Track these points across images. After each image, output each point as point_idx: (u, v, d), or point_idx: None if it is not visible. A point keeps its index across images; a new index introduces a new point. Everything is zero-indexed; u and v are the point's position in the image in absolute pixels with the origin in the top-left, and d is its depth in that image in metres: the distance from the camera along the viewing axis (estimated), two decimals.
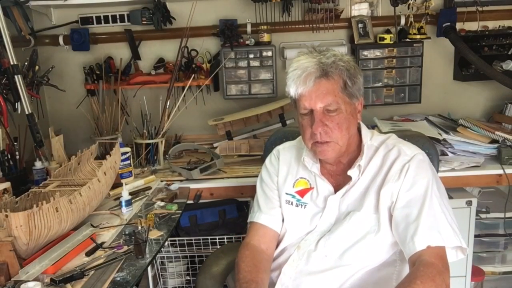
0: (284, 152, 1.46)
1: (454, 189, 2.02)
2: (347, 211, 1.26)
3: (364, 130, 1.33)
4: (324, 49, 1.27)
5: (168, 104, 2.25)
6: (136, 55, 2.54)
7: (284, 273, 1.28)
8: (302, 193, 1.36)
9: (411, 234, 1.15)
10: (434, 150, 1.55)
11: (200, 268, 1.54)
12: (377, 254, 1.23)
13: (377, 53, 2.39)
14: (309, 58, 1.23)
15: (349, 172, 1.27)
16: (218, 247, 2.10)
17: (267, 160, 1.49)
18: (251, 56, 2.41)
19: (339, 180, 1.30)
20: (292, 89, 1.24)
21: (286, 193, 1.38)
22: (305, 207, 1.34)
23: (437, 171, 1.52)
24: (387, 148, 1.28)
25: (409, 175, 1.21)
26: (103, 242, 1.47)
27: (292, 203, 1.36)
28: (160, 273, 2.26)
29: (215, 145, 2.39)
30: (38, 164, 2.00)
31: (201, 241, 2.17)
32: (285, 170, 1.42)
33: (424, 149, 1.45)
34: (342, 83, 1.22)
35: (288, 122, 2.38)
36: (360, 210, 1.23)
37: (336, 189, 1.30)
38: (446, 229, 1.16)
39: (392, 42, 2.38)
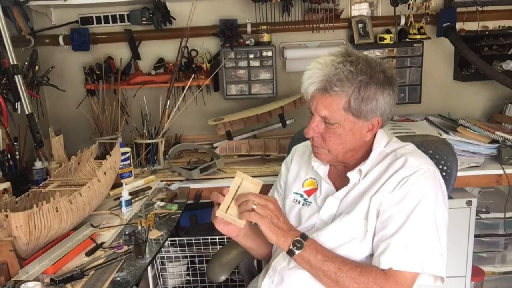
0: (299, 152, 1.48)
1: (454, 189, 2.00)
2: (342, 213, 1.25)
3: (380, 135, 1.28)
4: (350, 60, 1.18)
5: (168, 104, 2.25)
6: (136, 55, 2.54)
7: (272, 267, 1.30)
8: (309, 192, 1.37)
9: (380, 251, 1.15)
10: (453, 157, 1.48)
11: (212, 256, 1.61)
12: (360, 259, 1.21)
13: (377, 53, 2.39)
14: (323, 66, 1.19)
15: (348, 174, 1.26)
16: (218, 247, 2.11)
17: (285, 160, 1.53)
18: (251, 56, 2.41)
19: (345, 181, 1.29)
20: (302, 87, 1.24)
21: (295, 193, 1.40)
22: (308, 205, 1.35)
23: (455, 179, 1.47)
24: (395, 156, 1.24)
25: (403, 190, 1.17)
26: (103, 242, 1.47)
27: (299, 202, 1.37)
28: (160, 273, 2.26)
29: (215, 145, 2.39)
30: (38, 164, 2.00)
31: (201, 241, 2.17)
32: (296, 170, 1.44)
33: (442, 156, 1.45)
34: (345, 102, 1.17)
35: (288, 122, 2.38)
36: (349, 213, 1.22)
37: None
38: (418, 255, 1.13)
39: (392, 42, 2.38)
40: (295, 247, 1.16)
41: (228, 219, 1.17)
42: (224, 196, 1.18)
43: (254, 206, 1.14)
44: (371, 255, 1.20)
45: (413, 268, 1.14)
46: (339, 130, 1.21)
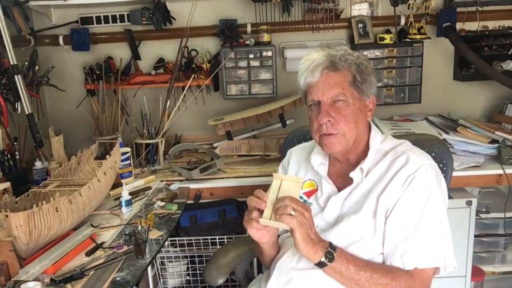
0: (296, 154, 1.48)
1: (454, 189, 2.02)
2: (347, 213, 1.25)
3: (374, 132, 1.31)
4: (336, 46, 1.29)
5: (168, 104, 2.25)
6: (136, 55, 2.54)
7: (277, 268, 1.29)
8: (309, 194, 1.37)
9: (400, 253, 1.16)
10: (449, 155, 1.49)
11: (209, 259, 1.60)
12: (370, 258, 1.21)
13: (377, 53, 2.39)
14: (319, 52, 1.26)
15: (351, 174, 1.26)
16: (218, 247, 2.11)
17: (281, 163, 1.53)
18: (251, 56, 2.41)
19: (346, 181, 1.29)
20: (301, 81, 1.27)
21: None
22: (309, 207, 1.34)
23: (451, 176, 1.49)
24: (395, 154, 1.26)
25: (411, 188, 1.18)
26: (103, 242, 1.48)
27: None
28: (160, 273, 2.26)
29: (215, 145, 2.40)
30: (38, 164, 2.00)
31: (201, 241, 2.17)
32: (294, 173, 1.44)
33: (438, 154, 1.46)
34: (351, 77, 1.23)
35: (288, 122, 2.38)
36: (357, 213, 1.22)
37: (341, 190, 1.29)
38: (438, 250, 1.16)
39: (392, 42, 2.38)
40: (327, 259, 1.13)
41: (273, 225, 1.14)
42: (265, 202, 1.14)
43: (292, 212, 1.09)
44: (381, 254, 1.20)
45: (436, 263, 1.16)
46: (349, 108, 1.23)
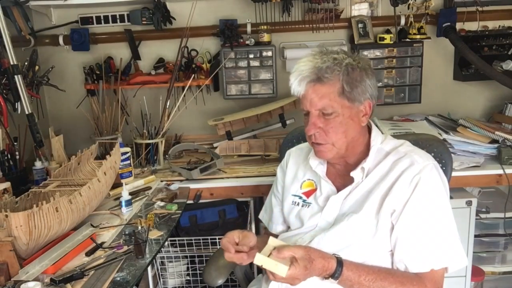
0: (295, 155, 1.49)
1: (454, 189, 2.01)
2: (347, 212, 1.25)
3: (375, 132, 1.31)
4: (329, 51, 1.25)
5: (168, 104, 2.25)
6: (136, 55, 2.54)
7: None
8: (308, 194, 1.37)
9: (415, 257, 1.17)
10: (448, 155, 1.50)
11: (208, 260, 1.60)
12: (372, 258, 1.21)
13: (377, 53, 2.39)
14: (307, 62, 1.24)
15: (352, 174, 1.26)
16: (218, 247, 2.10)
17: (280, 164, 1.54)
18: (251, 56, 2.41)
19: (346, 180, 1.30)
20: (292, 89, 1.27)
21: (293, 195, 1.40)
22: (308, 206, 1.35)
23: (450, 176, 1.50)
24: (398, 155, 1.25)
25: (419, 190, 1.18)
26: (103, 242, 1.48)
27: (298, 204, 1.37)
28: (160, 273, 2.26)
29: (215, 145, 2.39)
30: (38, 164, 2.01)
31: (201, 241, 2.17)
32: (293, 173, 1.44)
33: (437, 154, 1.46)
34: (339, 87, 1.20)
35: (288, 122, 2.38)
36: (358, 213, 1.22)
37: (340, 190, 1.29)
38: (449, 250, 1.17)
39: (392, 42, 2.38)
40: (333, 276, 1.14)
41: (269, 264, 1.07)
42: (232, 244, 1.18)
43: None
44: (380, 253, 1.20)
45: (450, 262, 1.17)
46: (339, 118, 1.22)
